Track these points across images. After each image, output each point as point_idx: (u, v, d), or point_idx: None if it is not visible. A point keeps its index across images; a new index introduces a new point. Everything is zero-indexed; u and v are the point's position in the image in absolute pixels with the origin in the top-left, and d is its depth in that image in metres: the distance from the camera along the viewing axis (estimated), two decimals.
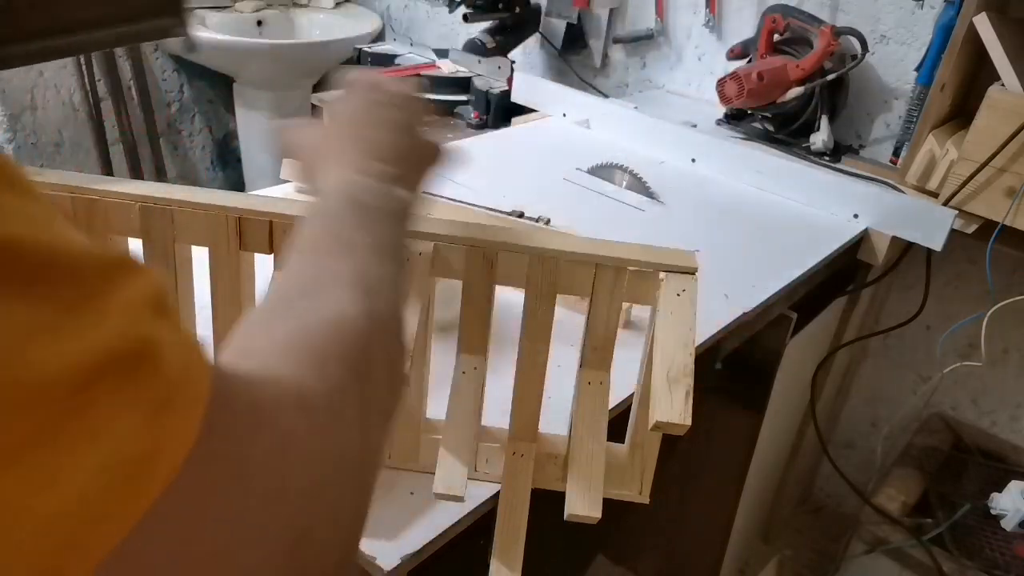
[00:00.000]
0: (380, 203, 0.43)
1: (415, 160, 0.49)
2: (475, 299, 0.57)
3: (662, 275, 0.54)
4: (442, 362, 0.61)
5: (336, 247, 0.40)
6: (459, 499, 0.53)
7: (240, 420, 0.26)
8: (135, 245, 0.60)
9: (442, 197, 1.02)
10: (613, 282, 0.55)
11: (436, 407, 0.62)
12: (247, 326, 0.35)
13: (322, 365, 0.32)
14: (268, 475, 0.27)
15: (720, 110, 1.51)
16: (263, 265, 0.60)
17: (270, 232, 0.57)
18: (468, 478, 0.54)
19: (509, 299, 0.59)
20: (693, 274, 0.55)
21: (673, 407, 0.47)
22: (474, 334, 0.59)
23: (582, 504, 0.53)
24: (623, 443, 0.62)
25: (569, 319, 0.69)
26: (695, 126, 1.42)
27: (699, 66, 1.68)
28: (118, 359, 0.21)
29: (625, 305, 0.78)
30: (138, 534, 0.22)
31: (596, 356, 0.58)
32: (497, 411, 0.61)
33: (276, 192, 1.03)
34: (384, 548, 0.55)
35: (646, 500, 0.59)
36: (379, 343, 0.36)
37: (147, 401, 0.22)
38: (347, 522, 0.31)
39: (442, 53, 1.84)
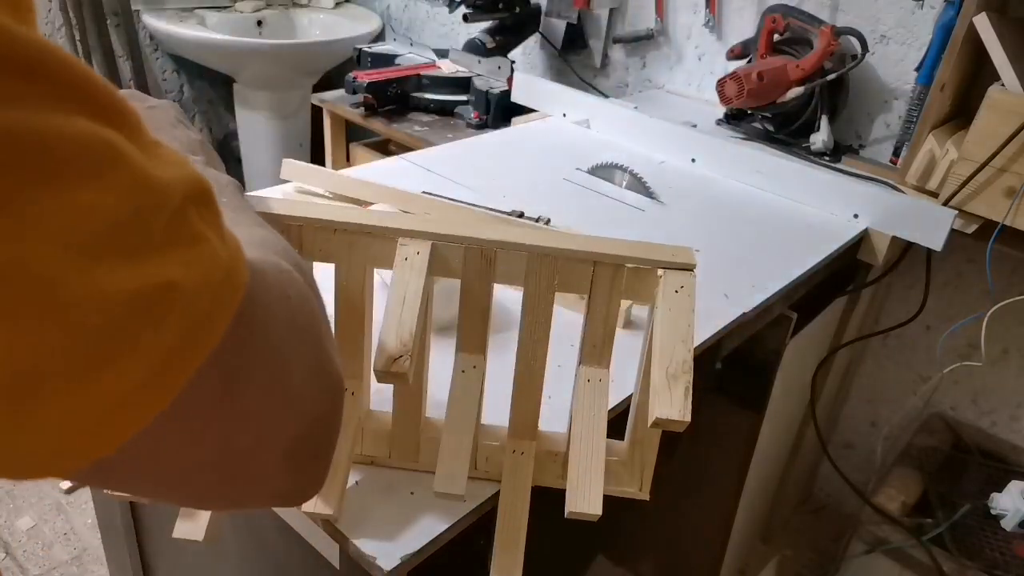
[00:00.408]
0: (214, 179, 0.46)
1: (205, 148, 0.54)
2: (474, 298, 0.57)
3: (660, 272, 0.54)
4: (442, 362, 0.61)
5: None
6: (460, 498, 0.53)
7: (257, 269, 0.30)
8: None
9: (442, 197, 1.02)
10: (612, 279, 0.55)
11: (436, 407, 0.62)
12: None
13: (271, 262, 0.35)
14: (283, 308, 0.32)
15: (720, 110, 1.51)
16: None
17: None
18: (468, 477, 0.54)
19: (509, 296, 0.59)
20: (691, 271, 0.54)
21: (673, 403, 0.47)
22: (473, 333, 0.59)
23: (583, 501, 0.53)
24: (623, 440, 0.62)
25: (569, 318, 0.69)
26: (695, 126, 1.42)
27: (699, 66, 1.68)
28: (193, 190, 0.26)
29: (624, 305, 0.78)
30: (229, 335, 0.26)
31: (595, 353, 0.58)
32: (497, 409, 0.61)
33: (276, 192, 1.03)
34: (384, 548, 0.55)
35: (646, 497, 0.59)
36: (290, 260, 0.39)
37: (217, 228, 0.27)
38: (336, 361, 0.37)
39: (442, 53, 1.84)
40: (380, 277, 0.68)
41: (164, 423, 0.25)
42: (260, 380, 0.29)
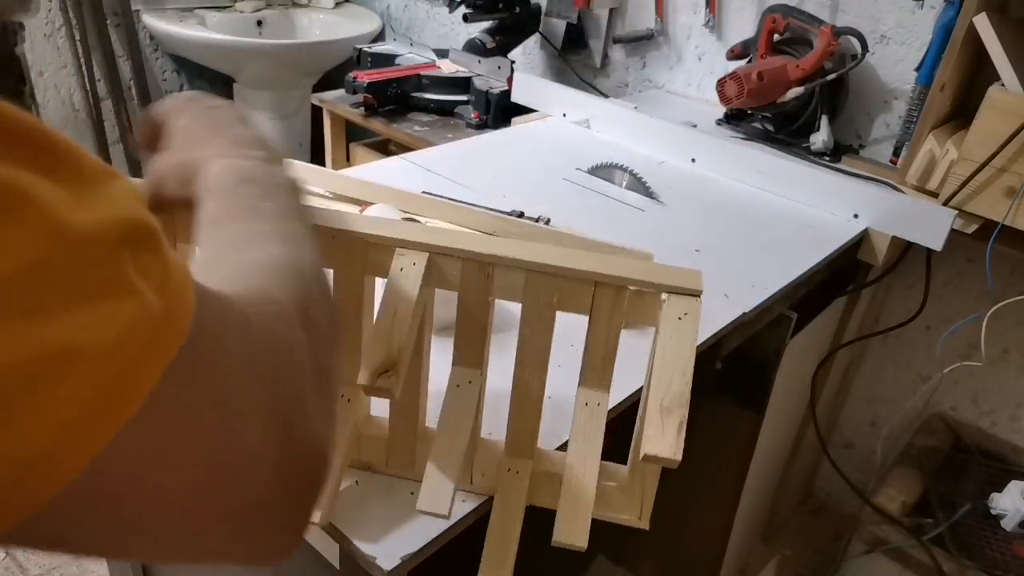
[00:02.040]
0: (269, 178, 0.46)
1: (272, 148, 0.52)
2: (471, 312, 0.55)
3: (664, 296, 0.52)
4: (445, 363, 0.61)
5: (245, 214, 0.42)
6: (444, 517, 0.52)
7: (214, 303, 0.29)
8: None
9: (442, 197, 1.02)
10: (613, 301, 0.53)
11: (437, 412, 0.61)
12: (206, 266, 0.38)
13: (263, 291, 0.35)
14: (241, 345, 0.30)
15: (720, 110, 1.51)
16: None
17: None
18: (463, 490, 0.53)
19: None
20: (697, 296, 0.52)
21: (664, 440, 0.45)
22: (470, 347, 0.57)
23: (569, 532, 0.52)
24: (627, 452, 0.61)
25: (571, 318, 0.69)
26: (695, 126, 1.42)
27: (699, 66, 1.68)
28: (131, 233, 0.25)
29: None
30: (158, 391, 0.25)
31: (595, 376, 0.56)
32: (498, 418, 0.60)
33: None
34: (384, 548, 0.55)
35: (645, 526, 0.57)
36: (312, 277, 0.39)
37: (156, 274, 0.25)
38: (320, 416, 0.34)
39: (442, 53, 1.84)
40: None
41: (91, 478, 0.23)
42: (201, 434, 0.27)
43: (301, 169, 1.05)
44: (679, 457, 0.45)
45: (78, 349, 0.22)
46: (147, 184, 0.51)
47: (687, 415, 0.46)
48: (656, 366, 0.49)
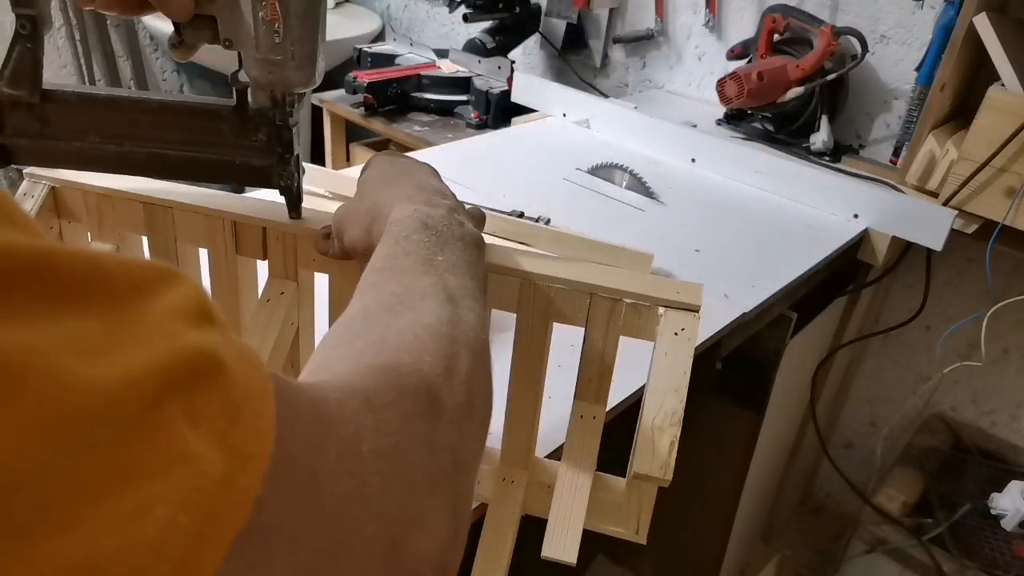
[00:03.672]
0: (449, 229, 0.44)
1: (460, 202, 0.51)
2: None
3: (662, 311, 0.51)
4: None
5: (415, 265, 0.40)
6: None
7: (306, 427, 0.25)
8: (143, 243, 0.60)
9: None
10: (609, 313, 0.52)
11: None
12: (326, 341, 0.35)
13: (394, 370, 0.31)
14: (342, 479, 0.25)
15: (720, 110, 1.51)
16: (265, 269, 0.60)
17: (263, 238, 0.56)
18: None
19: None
20: (695, 312, 0.51)
21: (655, 459, 0.45)
22: None
23: (559, 547, 0.51)
24: (629, 455, 0.61)
25: None
26: (695, 126, 1.42)
27: (699, 66, 1.68)
28: (182, 368, 0.20)
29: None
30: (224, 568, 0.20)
31: (591, 389, 0.55)
32: (496, 421, 0.60)
33: (275, 193, 1.03)
34: None
35: (642, 541, 0.56)
36: (464, 346, 0.35)
37: (216, 418, 0.20)
38: (440, 526, 0.29)
39: (442, 53, 1.84)
40: None
41: None
42: None
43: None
44: (669, 477, 0.45)
45: (101, 566, 0.17)
46: (331, 230, 0.51)
47: (679, 434, 0.46)
48: (650, 383, 0.48)
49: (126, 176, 0.57)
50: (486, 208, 1.01)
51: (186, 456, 0.19)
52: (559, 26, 1.84)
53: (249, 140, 0.51)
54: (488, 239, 0.50)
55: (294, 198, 0.54)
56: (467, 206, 0.53)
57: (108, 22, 2.15)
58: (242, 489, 0.20)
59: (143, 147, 0.51)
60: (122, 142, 0.51)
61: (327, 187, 1.04)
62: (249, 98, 0.50)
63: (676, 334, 0.50)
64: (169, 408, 0.19)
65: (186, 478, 0.19)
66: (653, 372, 0.49)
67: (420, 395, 0.31)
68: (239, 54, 0.48)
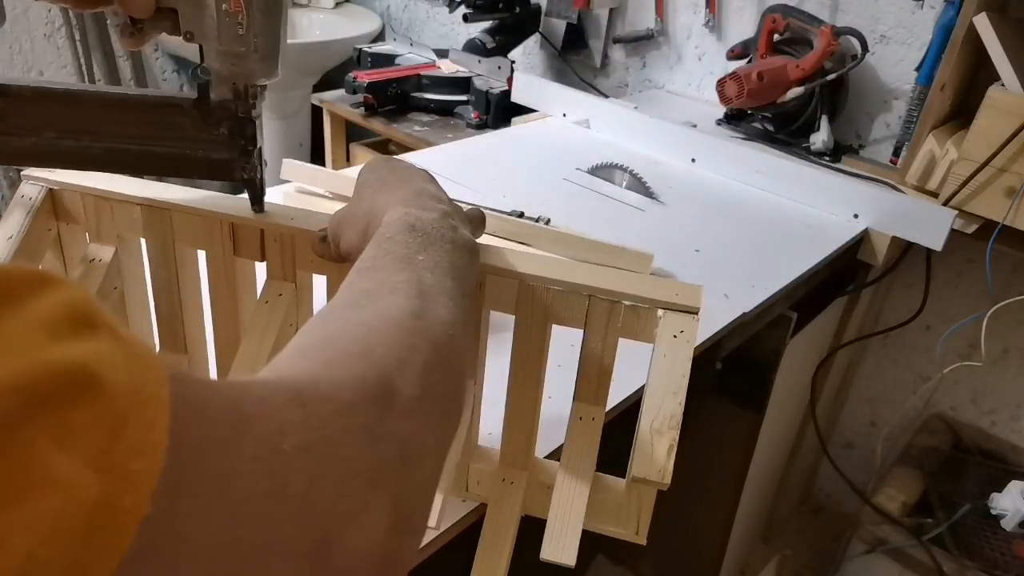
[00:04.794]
0: (438, 231, 0.43)
1: (457, 208, 0.50)
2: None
3: (660, 313, 0.51)
4: None
5: (393, 263, 0.40)
6: (432, 528, 0.51)
7: (214, 429, 0.23)
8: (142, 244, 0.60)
9: None
10: (608, 315, 0.51)
11: None
12: (292, 341, 0.35)
13: (337, 361, 0.31)
14: (258, 480, 0.24)
15: (720, 110, 1.51)
16: (264, 271, 0.60)
17: (261, 240, 0.56)
18: (459, 498, 0.53)
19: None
20: (695, 314, 0.50)
21: (653, 462, 0.45)
22: None
23: (558, 548, 0.51)
24: (630, 456, 0.61)
25: None
26: (695, 126, 1.42)
27: (699, 66, 1.68)
28: (41, 390, 0.18)
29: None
30: None
31: (590, 390, 0.55)
32: (496, 422, 0.59)
33: (275, 193, 1.03)
34: None
35: (642, 541, 0.56)
36: (425, 339, 0.34)
37: (92, 436, 0.19)
38: (378, 520, 0.28)
39: (442, 53, 1.84)
40: None
41: None
42: None
43: (301, 169, 1.05)
44: (668, 481, 0.44)
45: None
46: (327, 233, 0.51)
47: (678, 437, 0.46)
48: (649, 386, 0.48)
49: (124, 177, 0.57)
50: (486, 208, 1.01)
51: (50, 481, 0.17)
52: (559, 26, 1.84)
53: (211, 133, 0.51)
54: (487, 239, 0.50)
55: (257, 191, 0.54)
56: (466, 207, 0.52)
57: (108, 22, 2.15)
58: (124, 511, 0.19)
59: (102, 142, 0.51)
60: (80, 137, 0.50)
61: (327, 187, 1.04)
62: (211, 91, 0.50)
63: (675, 336, 0.49)
64: (30, 430, 0.17)
65: (50, 506, 0.17)
66: (652, 375, 0.48)
67: (364, 385, 0.30)
68: (200, 47, 0.48)
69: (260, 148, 0.53)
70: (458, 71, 1.76)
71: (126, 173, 0.54)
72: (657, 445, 0.45)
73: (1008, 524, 1.26)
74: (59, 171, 0.57)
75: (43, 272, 0.21)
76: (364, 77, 1.65)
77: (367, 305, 0.36)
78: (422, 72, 1.74)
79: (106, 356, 0.20)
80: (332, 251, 0.51)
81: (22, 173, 0.56)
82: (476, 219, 0.52)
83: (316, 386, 0.28)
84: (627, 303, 0.51)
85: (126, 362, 0.21)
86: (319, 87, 2.18)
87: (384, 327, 0.34)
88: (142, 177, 0.55)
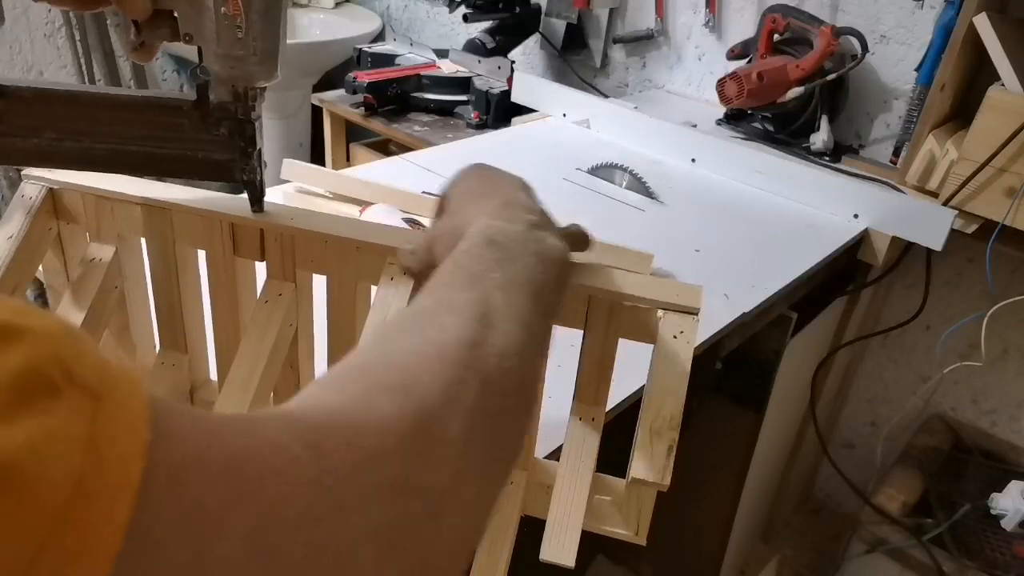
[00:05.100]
0: (522, 244, 0.40)
1: (550, 219, 0.46)
2: None
3: (660, 313, 0.50)
4: None
5: (461, 280, 0.36)
6: None
7: (198, 503, 0.20)
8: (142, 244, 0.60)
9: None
10: (608, 315, 0.51)
11: None
12: (337, 363, 0.31)
13: (373, 395, 0.27)
14: (247, 563, 0.21)
15: (720, 110, 1.51)
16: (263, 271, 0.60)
17: (261, 240, 0.56)
18: None
19: None
20: (695, 314, 0.50)
21: (652, 464, 0.45)
22: None
23: (558, 549, 0.51)
24: (631, 456, 0.60)
25: None
26: (695, 126, 1.42)
27: (699, 66, 1.68)
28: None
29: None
30: None
31: (590, 390, 0.55)
32: None
33: (275, 193, 1.03)
34: None
35: (642, 542, 0.55)
36: (476, 374, 0.30)
37: (8, 548, 0.16)
38: None
39: (442, 53, 1.84)
40: None
41: None
42: None
43: (301, 169, 1.05)
44: (667, 482, 0.44)
45: None
46: (417, 248, 0.49)
47: (678, 438, 0.45)
48: (649, 387, 0.48)
49: (125, 177, 0.57)
50: None
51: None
52: (559, 26, 1.84)
53: (211, 134, 0.51)
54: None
55: (257, 192, 0.54)
56: (571, 227, 0.49)
57: (108, 22, 2.15)
58: (94, 528, 0.17)
59: (103, 143, 0.51)
60: (81, 138, 0.50)
61: (327, 187, 1.04)
62: (210, 92, 0.50)
63: (675, 337, 0.49)
64: None
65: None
66: (652, 375, 0.48)
67: (397, 427, 0.26)
68: (199, 49, 0.48)
69: (260, 149, 0.53)
70: (458, 71, 1.76)
71: (127, 174, 0.54)
72: (657, 446, 0.45)
73: (1008, 524, 1.26)
74: (60, 171, 0.57)
75: (3, 323, 0.18)
76: (364, 77, 1.65)
77: (419, 327, 0.32)
78: (422, 72, 1.74)
79: (48, 440, 0.17)
80: (419, 267, 0.48)
81: (23, 173, 0.56)
82: (574, 236, 0.48)
83: (337, 429, 0.25)
84: (627, 304, 0.51)
85: (87, 435, 0.17)
86: (319, 87, 2.18)
87: (432, 355, 0.30)
88: (143, 178, 0.55)
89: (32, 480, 0.16)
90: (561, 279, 0.42)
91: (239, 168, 0.52)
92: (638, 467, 0.45)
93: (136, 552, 0.18)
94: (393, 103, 1.71)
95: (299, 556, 0.22)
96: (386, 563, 0.24)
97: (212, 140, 0.51)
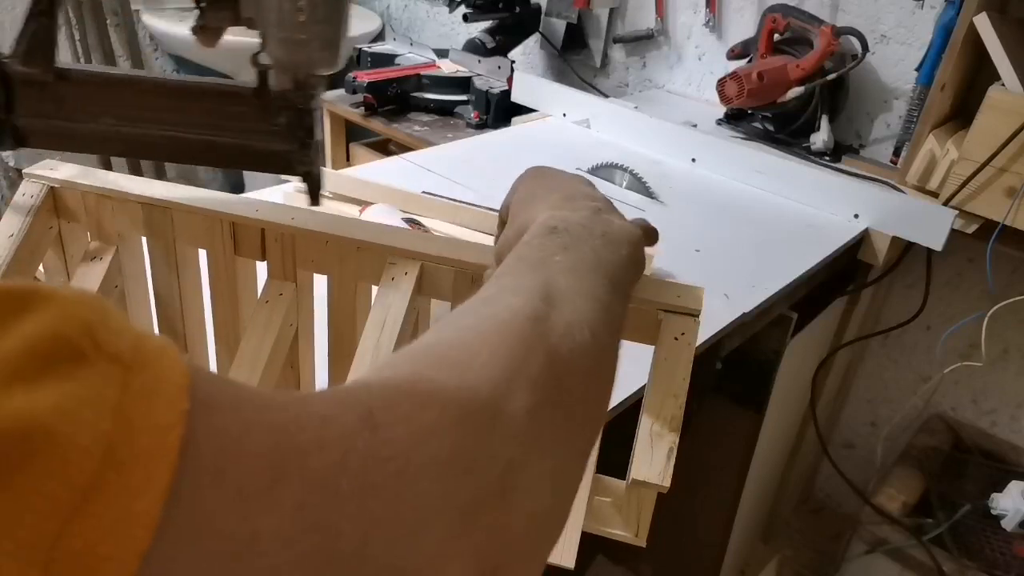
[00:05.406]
0: (586, 228, 0.39)
1: (616, 209, 0.45)
2: None
3: (661, 314, 0.50)
4: None
5: (524, 267, 0.35)
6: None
7: (247, 471, 0.19)
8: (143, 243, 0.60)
9: (442, 197, 1.02)
10: None
11: None
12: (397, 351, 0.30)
13: (432, 370, 0.26)
14: (301, 536, 0.19)
15: (720, 110, 1.51)
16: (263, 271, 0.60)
17: (262, 239, 0.56)
18: None
19: None
20: (695, 316, 0.49)
21: (652, 465, 0.44)
22: None
23: (556, 549, 0.50)
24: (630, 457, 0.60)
25: None
26: (695, 126, 1.42)
27: (699, 66, 1.68)
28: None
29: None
30: None
31: None
32: None
33: (275, 193, 1.03)
34: None
35: (642, 544, 0.55)
36: (543, 345, 0.29)
37: (33, 518, 0.15)
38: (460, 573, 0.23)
39: (442, 53, 1.84)
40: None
41: None
42: None
43: None
44: (667, 484, 0.44)
45: None
46: (492, 265, 0.48)
47: (678, 440, 0.45)
48: (649, 388, 0.48)
49: (125, 175, 0.57)
50: (485, 208, 1.01)
51: None
52: (559, 26, 1.84)
53: (269, 124, 0.49)
54: (487, 239, 0.50)
55: (316, 184, 0.52)
56: (637, 220, 0.48)
57: (108, 22, 2.15)
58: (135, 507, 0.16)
59: (161, 130, 0.50)
60: (139, 124, 0.49)
61: (327, 187, 1.04)
62: (270, 80, 0.48)
63: (676, 339, 0.49)
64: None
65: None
66: (652, 377, 0.48)
67: (458, 400, 0.25)
68: (261, 33, 0.47)
69: (318, 141, 0.51)
70: (458, 71, 1.76)
71: (183, 162, 0.53)
72: (657, 448, 0.45)
73: (1008, 524, 1.25)
74: (60, 169, 0.57)
75: (30, 288, 0.17)
76: (364, 77, 1.65)
77: (481, 309, 0.31)
78: (422, 72, 1.74)
79: (76, 404, 0.16)
80: None
81: (23, 171, 0.56)
82: (644, 230, 0.47)
83: (394, 402, 0.23)
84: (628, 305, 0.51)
85: (117, 401, 0.17)
86: None
87: (491, 330, 0.29)
88: (200, 166, 0.54)
89: (59, 446, 0.15)
90: (634, 258, 0.40)
91: (297, 160, 0.50)
92: (638, 469, 0.45)
93: (176, 525, 0.17)
94: (393, 103, 1.71)
95: (356, 530, 0.20)
96: (456, 539, 0.23)
97: (271, 130, 0.50)
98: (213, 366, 0.65)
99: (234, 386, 0.20)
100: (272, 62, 0.47)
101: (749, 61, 1.47)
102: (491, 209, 1.00)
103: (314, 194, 0.53)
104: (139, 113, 0.49)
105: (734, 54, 1.53)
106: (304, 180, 0.52)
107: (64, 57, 2.08)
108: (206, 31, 0.48)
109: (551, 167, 0.51)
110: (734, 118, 1.51)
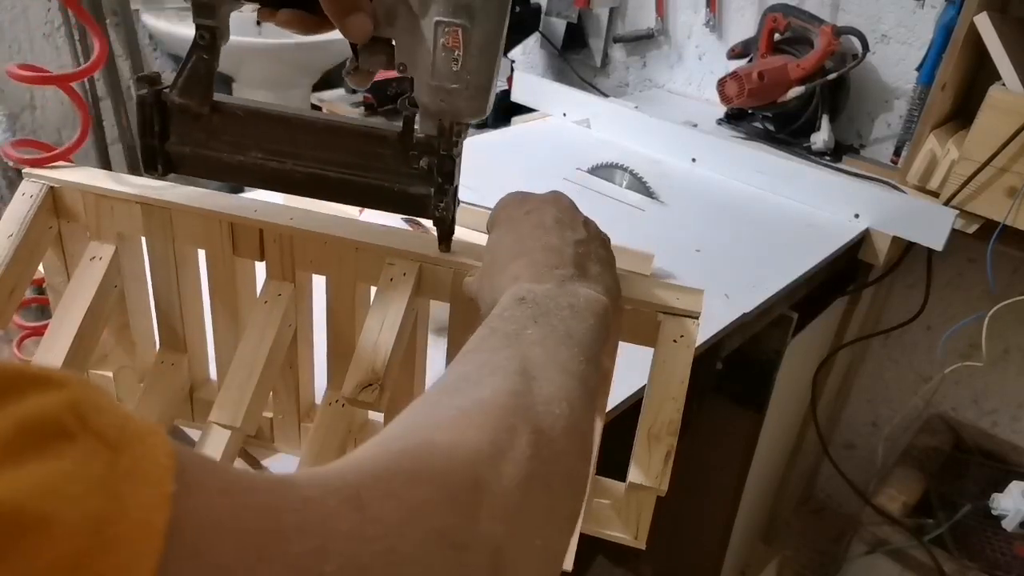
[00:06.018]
0: (554, 300, 0.40)
1: (592, 253, 0.46)
2: (463, 323, 0.54)
3: (660, 316, 0.50)
4: (443, 361, 0.61)
5: (497, 341, 0.36)
6: None
7: (227, 556, 0.19)
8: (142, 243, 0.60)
9: None
10: None
11: None
12: (380, 432, 0.30)
13: (412, 452, 0.26)
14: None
15: (721, 110, 1.51)
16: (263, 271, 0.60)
17: (260, 239, 0.56)
18: None
19: None
20: (695, 318, 0.49)
21: (650, 469, 0.44)
22: None
23: None
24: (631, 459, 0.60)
25: None
26: (695, 126, 1.42)
27: (699, 65, 1.68)
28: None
29: None
30: None
31: None
32: None
33: (274, 194, 1.03)
34: None
35: (641, 546, 0.55)
36: (525, 421, 0.30)
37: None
38: None
39: None
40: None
41: None
42: None
43: None
44: (664, 487, 0.44)
45: None
46: (470, 288, 0.49)
47: (676, 444, 0.45)
48: (648, 391, 0.48)
49: (124, 175, 0.57)
50: (485, 209, 1.01)
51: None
52: (559, 25, 1.83)
53: (410, 168, 0.50)
54: (486, 240, 0.50)
55: (449, 229, 0.53)
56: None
57: (108, 22, 2.14)
58: None
59: (304, 166, 0.50)
60: (284, 159, 0.50)
61: None
62: (416, 124, 0.49)
63: (675, 341, 0.49)
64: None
65: None
66: (651, 380, 0.48)
67: (445, 479, 0.25)
68: (411, 80, 0.47)
69: (456, 187, 0.51)
70: None
71: (322, 199, 0.53)
72: (655, 451, 0.45)
73: (1009, 524, 1.25)
74: (60, 169, 0.57)
75: (17, 370, 0.17)
76: None
77: (464, 389, 0.32)
78: None
79: (64, 481, 0.16)
80: (474, 295, 0.48)
81: (23, 171, 0.56)
82: (605, 241, 0.48)
83: (383, 479, 0.23)
84: (627, 307, 0.50)
85: (104, 480, 0.17)
86: (319, 87, 2.18)
87: (475, 410, 0.29)
88: (340, 203, 0.53)
89: (46, 525, 0.15)
90: (601, 325, 0.41)
91: (434, 204, 0.51)
92: (636, 472, 0.45)
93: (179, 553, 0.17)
94: (393, 102, 1.71)
95: None
96: None
97: (411, 173, 0.50)
98: (212, 366, 0.65)
99: (220, 468, 0.20)
100: (420, 108, 0.48)
101: (749, 61, 1.47)
102: (490, 209, 1.00)
103: (445, 239, 0.53)
104: (285, 148, 0.50)
105: (734, 54, 1.53)
106: (436, 225, 0.52)
107: (64, 57, 2.08)
108: (360, 73, 0.49)
109: (528, 198, 0.51)
110: (734, 118, 1.51)
